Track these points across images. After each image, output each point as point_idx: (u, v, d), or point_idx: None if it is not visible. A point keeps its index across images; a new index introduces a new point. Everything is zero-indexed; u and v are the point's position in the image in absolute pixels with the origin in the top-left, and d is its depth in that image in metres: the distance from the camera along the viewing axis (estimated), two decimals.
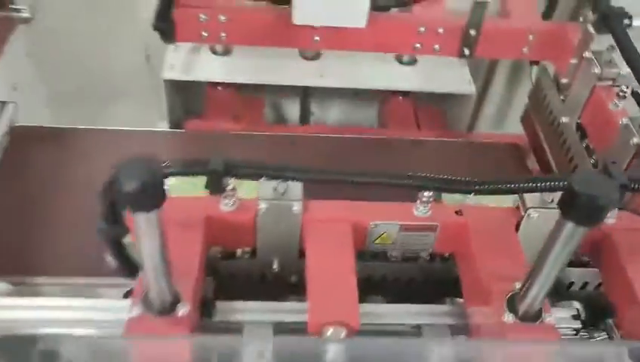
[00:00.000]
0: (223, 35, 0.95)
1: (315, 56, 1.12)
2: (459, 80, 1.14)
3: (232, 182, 0.65)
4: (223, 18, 0.92)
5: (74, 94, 1.31)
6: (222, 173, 0.61)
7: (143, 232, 0.49)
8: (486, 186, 0.64)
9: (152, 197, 0.48)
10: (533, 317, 0.59)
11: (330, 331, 0.59)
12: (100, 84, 1.34)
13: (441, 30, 0.94)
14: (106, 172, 0.73)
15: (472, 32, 0.94)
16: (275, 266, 0.72)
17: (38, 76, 1.24)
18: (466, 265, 0.68)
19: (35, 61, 1.21)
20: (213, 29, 0.94)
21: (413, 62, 1.10)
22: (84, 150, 0.99)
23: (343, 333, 0.59)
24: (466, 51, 0.96)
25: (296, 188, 0.67)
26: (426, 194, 0.67)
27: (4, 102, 1.00)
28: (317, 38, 0.95)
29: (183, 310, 0.56)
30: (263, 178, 0.64)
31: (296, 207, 0.66)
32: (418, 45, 0.96)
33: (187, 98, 1.17)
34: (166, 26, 0.93)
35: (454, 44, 0.96)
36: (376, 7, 0.91)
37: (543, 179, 0.63)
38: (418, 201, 0.67)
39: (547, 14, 1.00)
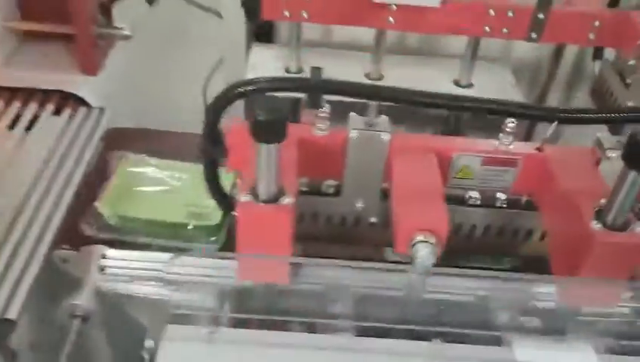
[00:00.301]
0: (305, 14, 1.01)
1: (379, 78, 1.17)
2: (510, 98, 1.18)
3: (326, 108, 0.70)
4: None
5: (153, 109, 1.42)
6: (320, 89, 0.66)
7: (263, 160, 0.57)
8: (572, 115, 0.66)
9: (276, 133, 0.55)
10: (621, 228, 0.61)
11: (420, 236, 0.61)
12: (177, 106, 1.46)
13: (510, 13, 1.00)
14: None
15: (541, 16, 0.99)
16: (360, 204, 0.75)
17: (128, 89, 1.34)
18: (549, 198, 0.71)
19: (128, 75, 1.31)
20: (296, 8, 1.01)
21: (470, 85, 1.15)
22: (168, 150, 1.07)
23: (433, 239, 0.61)
24: (534, 35, 1.01)
25: (384, 120, 0.72)
26: (510, 124, 0.70)
27: (101, 108, 1.09)
28: (391, 19, 1.01)
29: (287, 200, 0.60)
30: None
31: (385, 136, 0.70)
32: (488, 28, 1.01)
33: None
34: (253, 4, 1.00)
35: (523, 27, 1.00)
36: None
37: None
38: (502, 133, 0.71)
39: (613, 5, 1.04)
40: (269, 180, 0.59)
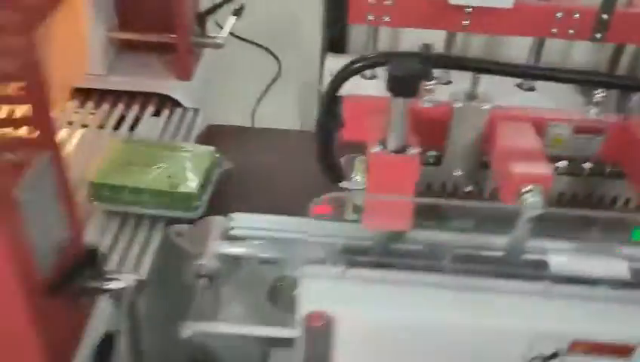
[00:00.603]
0: (387, 18, 1.11)
1: (447, 82, 1.26)
2: (571, 100, 1.26)
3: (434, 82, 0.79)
4: (388, 2, 1.09)
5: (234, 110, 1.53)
6: (429, 63, 0.74)
7: (395, 112, 0.66)
8: None
9: (409, 88, 0.64)
10: None
11: (528, 187, 0.69)
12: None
13: (576, 15, 1.08)
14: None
15: (605, 17, 1.08)
16: (458, 173, 0.83)
17: (211, 92, 1.44)
18: (636, 163, 0.78)
19: (216, 79, 1.41)
20: (378, 12, 1.10)
21: (532, 89, 1.24)
22: (258, 144, 1.19)
23: (540, 188, 0.69)
24: (598, 35, 1.09)
25: (485, 92, 0.80)
26: (598, 95, 0.78)
27: (196, 109, 1.20)
28: (466, 22, 1.10)
29: (412, 152, 0.68)
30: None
31: (486, 106, 0.78)
32: (555, 30, 1.10)
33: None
34: (338, 10, 1.10)
35: (588, 28, 1.09)
36: None
37: None
38: (591, 104, 0.79)
39: None
40: (399, 132, 0.67)
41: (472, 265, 0.72)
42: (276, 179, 1.11)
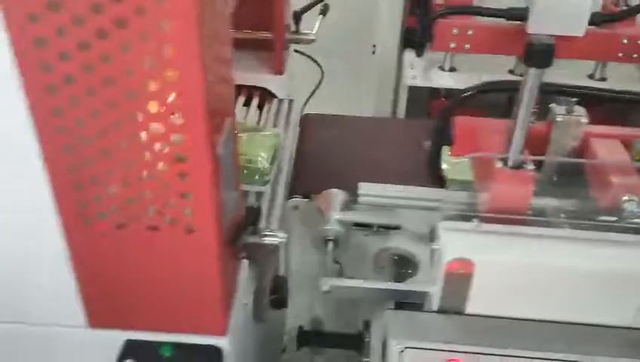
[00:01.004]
0: (467, 45, 1.24)
1: (521, 74, 1.39)
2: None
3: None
4: (470, 32, 1.22)
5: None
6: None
7: (527, 87, 0.76)
8: None
9: (545, 59, 0.75)
10: None
11: (626, 196, 0.81)
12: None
13: None
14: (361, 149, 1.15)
15: None
16: (555, 178, 0.95)
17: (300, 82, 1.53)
18: None
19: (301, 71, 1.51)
20: (460, 41, 1.23)
21: (604, 79, 1.35)
22: (352, 131, 1.32)
23: (636, 198, 0.81)
24: None
25: (581, 109, 0.91)
26: None
27: (291, 100, 1.31)
28: None
29: (529, 167, 0.80)
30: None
31: (584, 120, 0.90)
32: (620, 54, 1.22)
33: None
34: (423, 42, 1.23)
35: None
36: (590, 22, 1.19)
37: None
38: None
39: None
40: (530, 105, 0.77)
41: (587, 221, 0.83)
42: (356, 158, 1.23)
